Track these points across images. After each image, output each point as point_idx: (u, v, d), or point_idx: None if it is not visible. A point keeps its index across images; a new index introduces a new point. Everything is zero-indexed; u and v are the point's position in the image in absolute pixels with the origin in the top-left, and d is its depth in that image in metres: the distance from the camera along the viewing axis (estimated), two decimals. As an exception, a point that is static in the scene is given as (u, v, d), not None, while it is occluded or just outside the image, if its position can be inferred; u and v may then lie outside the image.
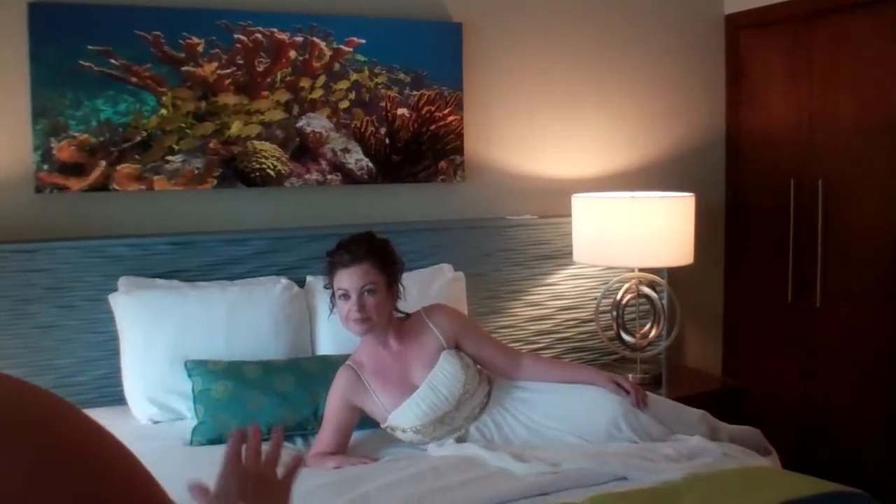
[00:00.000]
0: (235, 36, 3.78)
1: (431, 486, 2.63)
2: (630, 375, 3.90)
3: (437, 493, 2.60)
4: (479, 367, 3.27)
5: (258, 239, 3.83)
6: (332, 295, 3.20)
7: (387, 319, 3.18)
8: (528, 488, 2.64)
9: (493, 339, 3.60)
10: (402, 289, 3.24)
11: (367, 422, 3.23)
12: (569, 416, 3.13)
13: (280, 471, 1.38)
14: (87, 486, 0.69)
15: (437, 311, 3.34)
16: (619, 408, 3.13)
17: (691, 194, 4.11)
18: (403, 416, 3.08)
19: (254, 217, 3.95)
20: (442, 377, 3.12)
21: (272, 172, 3.90)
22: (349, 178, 4.05)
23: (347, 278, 3.09)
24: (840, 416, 4.43)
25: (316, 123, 3.96)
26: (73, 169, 3.57)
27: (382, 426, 3.16)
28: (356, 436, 3.21)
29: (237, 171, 3.84)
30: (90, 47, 3.56)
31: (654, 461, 2.81)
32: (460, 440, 3.08)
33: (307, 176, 3.97)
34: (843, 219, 4.39)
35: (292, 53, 3.89)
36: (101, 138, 3.60)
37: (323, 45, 3.94)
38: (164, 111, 3.70)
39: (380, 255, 3.14)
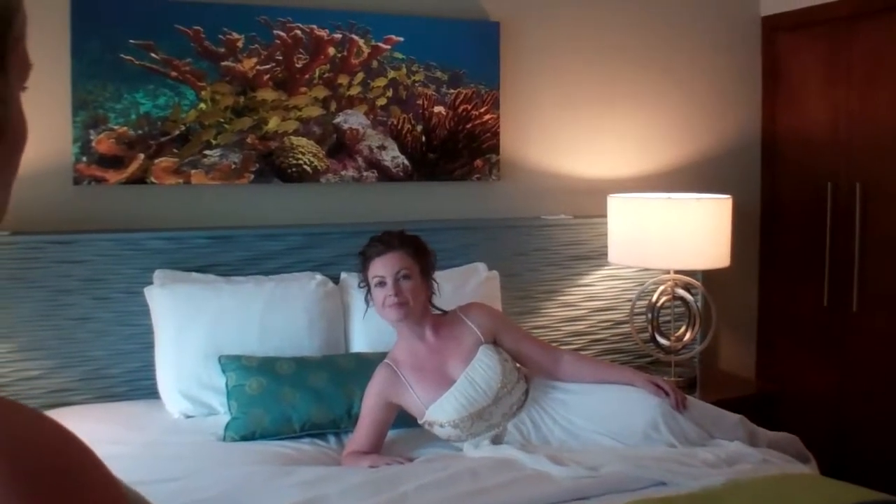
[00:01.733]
0: (275, 32, 3.78)
1: (469, 488, 2.62)
2: (664, 378, 3.87)
3: (474, 496, 2.58)
4: (516, 364, 3.26)
5: (294, 234, 3.83)
6: (367, 291, 3.21)
7: (422, 308, 3.18)
8: (566, 492, 2.61)
9: (532, 335, 3.61)
10: (436, 284, 3.24)
11: (401, 421, 3.22)
12: (606, 416, 3.11)
13: None
14: None
15: (473, 308, 3.34)
16: (658, 409, 3.10)
17: (728, 196, 4.08)
18: (441, 410, 3.07)
19: (290, 213, 3.95)
20: (480, 370, 3.11)
21: (308, 168, 3.89)
22: (385, 175, 4.04)
23: (382, 265, 3.12)
24: (876, 422, 4.38)
25: (353, 120, 3.96)
26: (112, 161, 3.58)
27: (420, 421, 3.15)
28: (390, 435, 3.20)
29: (274, 167, 3.84)
30: (131, 41, 3.56)
31: (693, 466, 2.78)
32: (497, 439, 3.07)
33: (343, 172, 3.96)
34: (880, 223, 4.35)
35: (331, 50, 3.89)
36: (140, 131, 3.61)
37: (361, 42, 3.94)
38: (202, 105, 3.70)
39: (412, 245, 3.18)
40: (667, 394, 3.18)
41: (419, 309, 3.17)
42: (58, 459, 0.62)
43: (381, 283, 3.13)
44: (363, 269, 3.20)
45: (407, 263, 3.12)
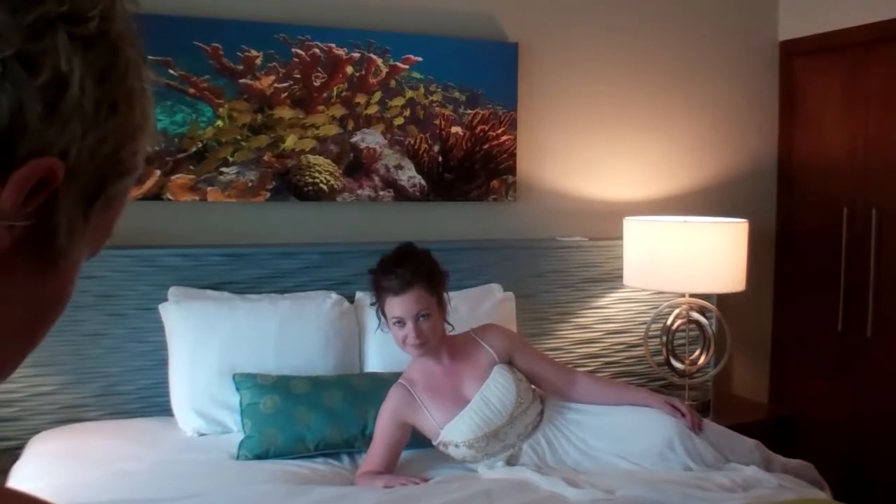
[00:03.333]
0: (293, 50, 3.79)
1: (486, 509, 2.60)
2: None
3: (490, 516, 2.57)
4: (531, 385, 3.25)
5: (309, 253, 3.82)
6: (380, 312, 3.19)
7: (441, 337, 3.16)
8: (582, 514, 2.60)
9: (546, 356, 3.60)
10: (448, 302, 3.22)
11: (415, 441, 3.21)
12: (622, 437, 3.10)
13: None
14: None
15: (488, 330, 3.34)
16: (675, 428, 3.10)
17: (744, 220, 4.07)
18: (456, 430, 3.06)
19: (305, 231, 3.95)
20: (495, 390, 3.10)
21: (325, 187, 3.89)
22: (401, 194, 4.04)
23: (400, 306, 3.07)
24: (890, 448, 4.35)
25: (370, 139, 3.96)
26: (129, 178, 3.57)
27: (434, 442, 3.13)
28: (404, 455, 3.19)
29: (290, 185, 3.84)
30: (150, 57, 3.54)
31: (709, 490, 2.76)
32: (513, 459, 3.05)
33: (360, 191, 3.96)
34: (896, 248, 4.34)
35: (349, 69, 3.89)
36: (157, 148, 3.61)
37: (380, 61, 3.94)
38: (220, 123, 3.70)
39: (427, 275, 3.11)
40: (683, 415, 3.17)
41: (438, 340, 3.16)
42: None
43: (400, 323, 3.11)
44: (377, 298, 3.17)
45: (425, 302, 3.07)
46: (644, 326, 4.29)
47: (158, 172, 3.62)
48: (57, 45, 0.56)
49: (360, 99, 3.92)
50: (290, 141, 3.82)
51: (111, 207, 0.66)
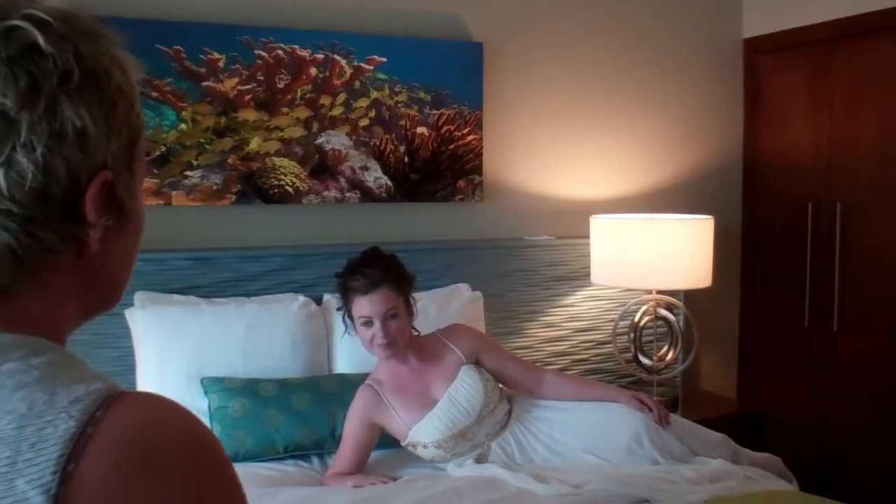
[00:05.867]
0: (256, 52, 3.78)
1: (454, 506, 2.61)
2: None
3: (459, 514, 2.57)
4: (499, 384, 3.26)
5: (276, 256, 3.81)
6: (347, 317, 3.19)
7: (408, 338, 3.16)
8: (550, 510, 2.61)
9: (514, 355, 3.61)
10: (414, 301, 3.23)
11: (384, 441, 3.21)
12: (590, 432, 3.12)
13: None
14: None
15: (454, 330, 3.35)
16: (642, 423, 3.12)
17: (710, 217, 4.09)
18: (424, 431, 3.06)
19: (272, 234, 3.94)
20: (462, 390, 3.11)
21: (291, 189, 3.88)
22: (368, 196, 4.04)
23: (368, 305, 3.08)
24: (857, 441, 4.39)
25: (335, 141, 3.95)
26: (93, 183, 3.55)
27: (403, 444, 3.14)
28: (374, 456, 3.19)
29: (256, 188, 3.83)
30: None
31: (676, 483, 2.78)
32: (481, 458, 3.06)
33: (325, 193, 3.95)
34: (861, 243, 4.37)
35: (313, 70, 3.88)
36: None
37: (344, 62, 3.94)
38: (183, 126, 3.69)
39: (395, 276, 3.12)
40: (650, 409, 3.19)
41: (405, 341, 3.16)
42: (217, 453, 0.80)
43: (368, 324, 3.11)
44: (344, 301, 3.17)
45: (393, 301, 3.09)
46: (612, 324, 4.30)
47: (123, 177, 3.60)
48: (65, 111, 0.79)
49: (325, 100, 3.92)
50: (255, 143, 3.81)
51: (141, 157, 0.92)
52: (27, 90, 0.77)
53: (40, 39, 0.79)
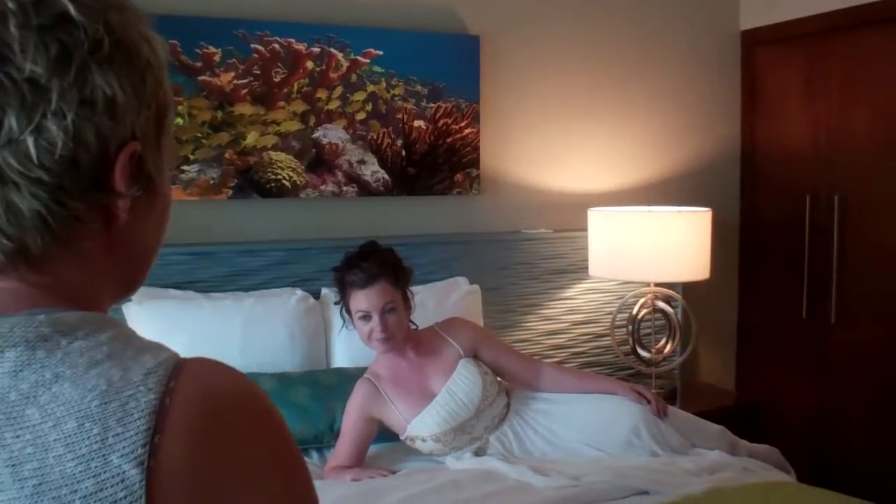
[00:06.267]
0: (252, 46, 3.77)
1: (453, 499, 2.61)
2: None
3: (459, 506, 2.57)
4: (497, 378, 3.26)
5: (273, 250, 3.81)
6: (345, 311, 3.18)
7: (406, 332, 3.16)
8: (548, 502, 2.61)
9: (512, 348, 3.60)
10: (411, 295, 3.23)
11: (383, 435, 3.21)
12: (589, 424, 3.12)
13: None
14: None
15: (452, 324, 3.34)
16: (640, 415, 3.12)
17: (708, 209, 4.09)
18: (423, 425, 3.06)
19: (269, 228, 3.93)
20: (461, 384, 3.11)
21: (288, 183, 3.88)
22: (365, 189, 4.03)
23: (366, 300, 3.07)
24: (855, 432, 4.40)
25: (332, 135, 3.95)
26: (89, 178, 3.55)
27: (402, 437, 3.14)
28: (372, 449, 3.19)
29: (253, 182, 3.82)
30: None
31: (674, 475, 2.78)
32: (480, 451, 3.06)
33: (323, 187, 3.95)
34: (858, 235, 4.37)
35: (309, 64, 3.88)
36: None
37: (340, 56, 3.93)
38: (179, 120, 3.68)
39: (392, 270, 3.12)
40: (648, 401, 3.19)
41: (403, 335, 3.16)
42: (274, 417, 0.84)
43: (366, 318, 3.10)
44: (342, 295, 3.17)
45: (391, 296, 3.09)
46: (610, 316, 4.31)
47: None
48: (95, 79, 0.80)
49: (321, 94, 3.91)
50: (252, 138, 3.80)
51: (169, 132, 0.92)
52: (58, 58, 0.78)
53: (71, 9, 0.80)
